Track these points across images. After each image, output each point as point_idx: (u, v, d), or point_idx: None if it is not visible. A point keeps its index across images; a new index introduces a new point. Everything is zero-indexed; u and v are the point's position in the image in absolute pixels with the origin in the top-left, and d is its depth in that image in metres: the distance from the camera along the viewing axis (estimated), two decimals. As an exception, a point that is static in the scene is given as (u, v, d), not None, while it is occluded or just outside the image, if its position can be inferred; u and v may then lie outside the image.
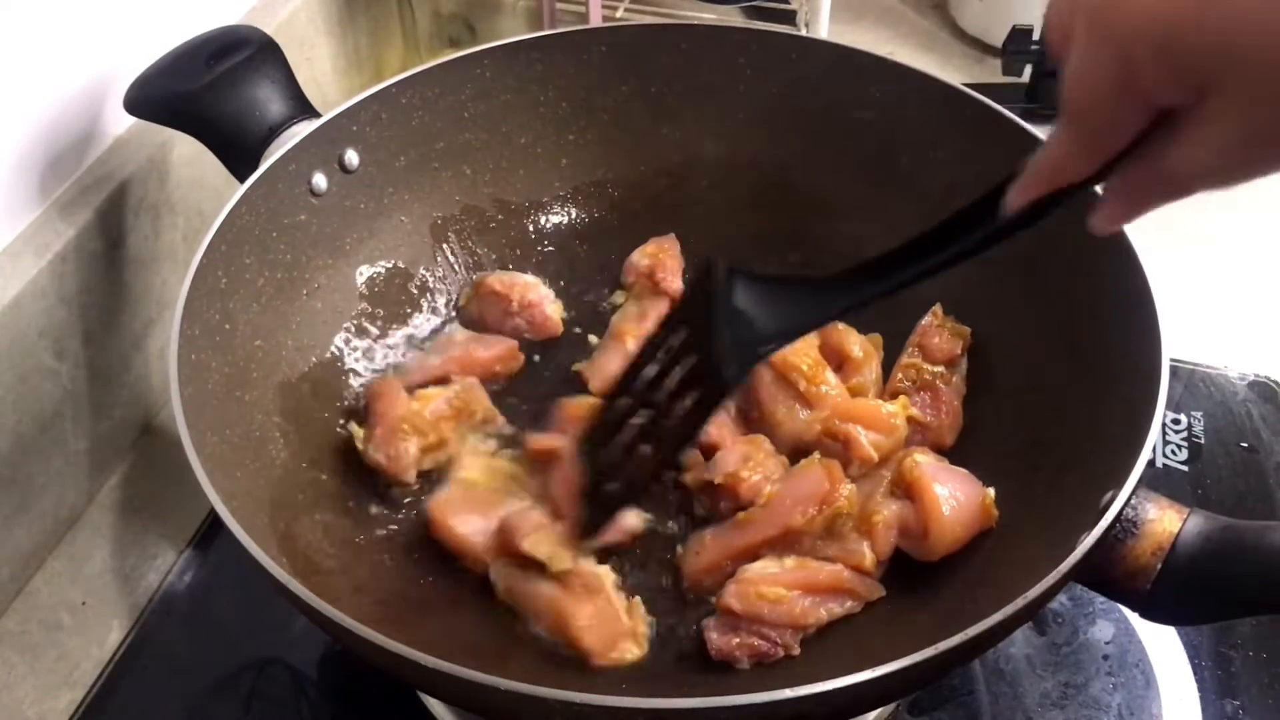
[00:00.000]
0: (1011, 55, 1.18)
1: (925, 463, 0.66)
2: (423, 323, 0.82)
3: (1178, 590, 0.55)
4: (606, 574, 0.65)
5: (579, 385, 0.78)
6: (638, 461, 0.62)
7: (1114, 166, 0.43)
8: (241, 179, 0.72)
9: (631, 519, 0.69)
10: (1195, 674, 0.71)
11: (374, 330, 0.80)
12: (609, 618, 0.63)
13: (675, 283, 0.82)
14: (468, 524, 0.67)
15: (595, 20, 1.15)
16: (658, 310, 0.80)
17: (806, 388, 0.72)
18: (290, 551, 0.63)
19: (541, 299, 0.82)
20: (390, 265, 0.82)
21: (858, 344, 0.75)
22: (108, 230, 0.79)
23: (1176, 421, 0.86)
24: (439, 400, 0.73)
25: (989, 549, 0.65)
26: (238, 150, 0.76)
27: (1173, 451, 0.84)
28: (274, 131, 0.76)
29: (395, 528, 0.71)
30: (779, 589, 0.63)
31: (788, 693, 0.47)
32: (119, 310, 0.82)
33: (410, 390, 0.74)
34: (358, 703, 0.72)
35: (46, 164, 0.77)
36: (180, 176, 0.86)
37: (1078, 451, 0.64)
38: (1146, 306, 0.62)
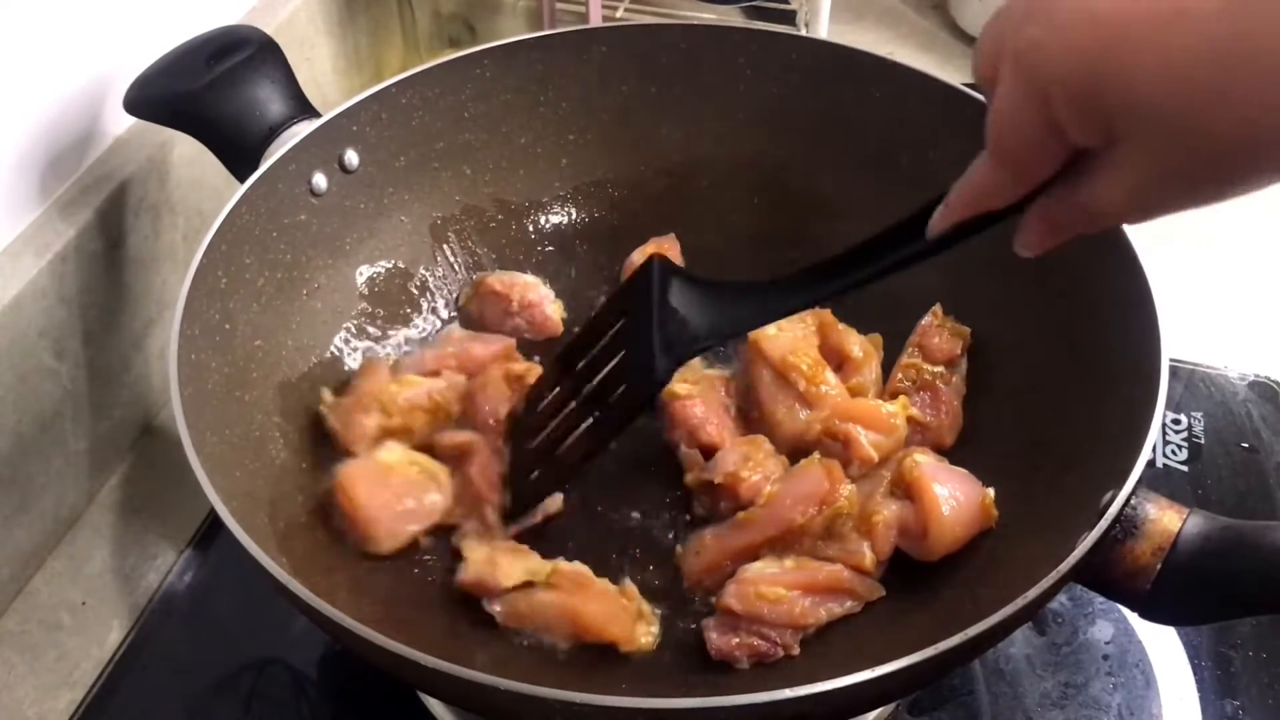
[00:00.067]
0: (1011, 55, 1.18)
1: (925, 463, 0.66)
2: (423, 323, 0.82)
3: (1178, 590, 0.55)
4: (584, 567, 0.65)
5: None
6: (565, 451, 0.66)
7: (1035, 195, 0.45)
8: (241, 179, 0.72)
9: (552, 503, 0.70)
10: (1195, 674, 0.71)
11: (374, 330, 0.80)
12: (614, 603, 0.64)
13: (675, 283, 0.82)
14: (373, 497, 0.67)
15: (595, 20, 1.15)
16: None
17: (806, 388, 0.72)
18: (290, 551, 0.63)
19: (541, 299, 0.82)
20: (390, 265, 0.82)
21: (858, 344, 0.75)
22: (108, 230, 0.79)
23: (1176, 421, 0.86)
24: (419, 389, 0.73)
25: (989, 549, 0.65)
26: (238, 150, 0.76)
27: (1173, 451, 0.84)
28: (274, 131, 0.76)
29: (395, 528, 0.71)
30: (779, 589, 0.63)
31: (787, 693, 0.47)
32: (119, 310, 0.82)
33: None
34: (358, 703, 0.72)
35: (46, 164, 0.77)
36: (180, 176, 0.86)
37: (1078, 451, 0.64)
38: (1146, 306, 0.62)
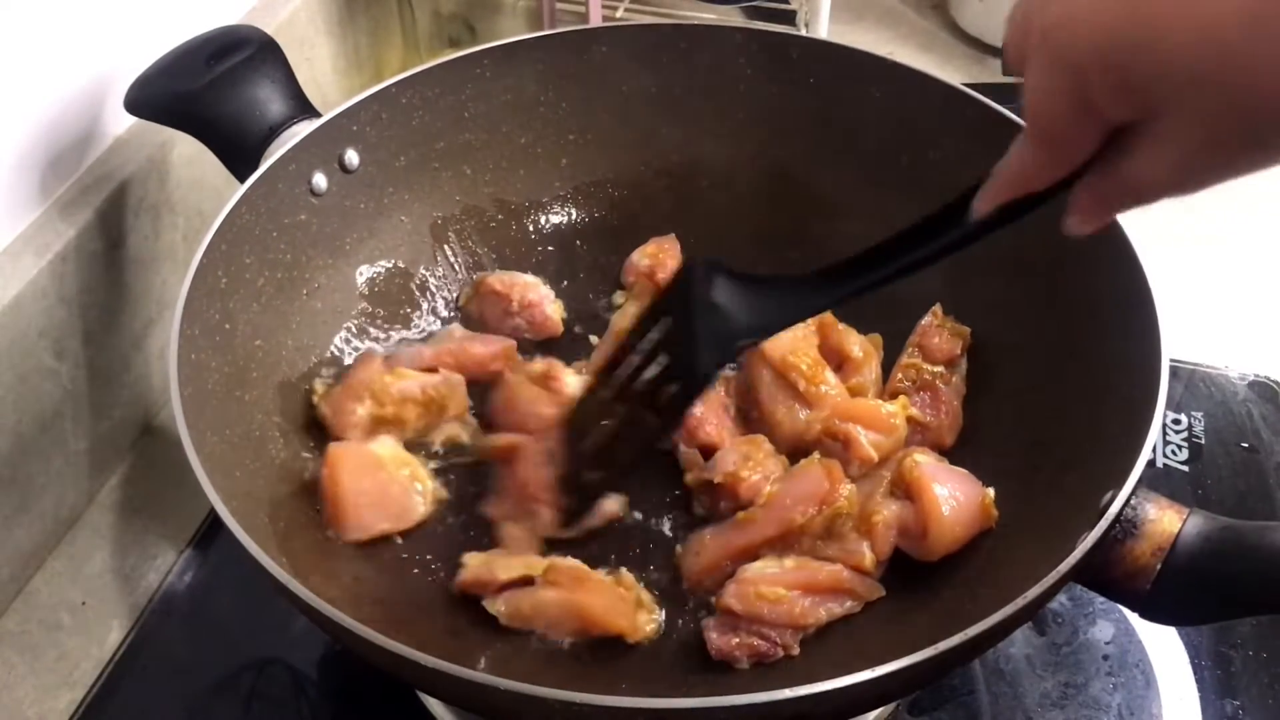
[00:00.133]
0: (1011, 55, 1.18)
1: (925, 463, 0.66)
2: (423, 322, 0.82)
3: (1178, 590, 0.55)
4: (579, 562, 0.65)
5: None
6: (617, 451, 0.65)
7: (1079, 174, 0.44)
8: (241, 179, 0.72)
9: (611, 504, 0.70)
10: (1195, 674, 0.71)
11: (374, 330, 0.80)
12: (615, 595, 0.64)
13: (675, 283, 0.82)
14: (354, 484, 0.67)
15: (595, 20, 1.15)
16: (658, 310, 0.80)
17: (806, 388, 0.72)
18: (290, 551, 0.63)
19: (541, 299, 0.82)
20: (390, 265, 0.82)
21: (858, 344, 0.75)
22: (108, 230, 0.79)
23: (1176, 421, 0.86)
24: (413, 381, 0.73)
25: (989, 549, 0.65)
26: (238, 150, 0.76)
27: (1173, 451, 0.84)
28: (274, 131, 0.76)
29: (395, 528, 0.71)
30: (779, 589, 0.63)
31: (787, 693, 0.47)
32: (119, 310, 0.82)
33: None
34: (358, 703, 0.72)
35: (46, 164, 0.77)
36: (180, 176, 0.86)
37: (1078, 451, 0.64)
38: (1146, 306, 0.62)
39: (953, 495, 0.64)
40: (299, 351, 0.75)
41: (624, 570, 0.66)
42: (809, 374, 0.72)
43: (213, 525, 0.80)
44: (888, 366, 0.76)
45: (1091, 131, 0.41)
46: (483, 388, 0.77)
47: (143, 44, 0.79)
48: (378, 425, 0.71)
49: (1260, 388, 0.89)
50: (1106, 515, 0.53)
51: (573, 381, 0.74)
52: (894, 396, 0.73)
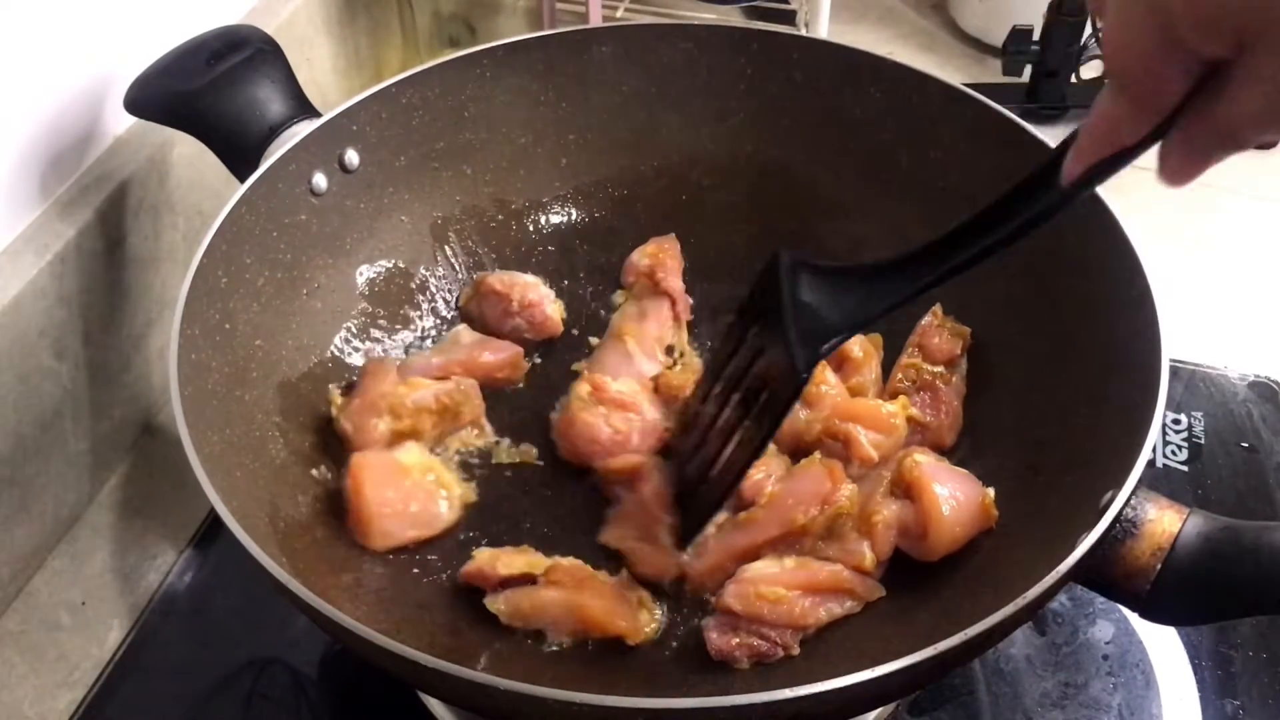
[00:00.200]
0: (1011, 55, 1.19)
1: (925, 463, 0.66)
2: (423, 323, 0.82)
3: (1178, 590, 0.55)
4: (580, 562, 0.65)
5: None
6: (725, 464, 0.63)
7: (1169, 125, 0.41)
8: (241, 179, 0.72)
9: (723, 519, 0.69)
10: (1195, 674, 0.71)
11: (374, 330, 0.80)
12: (616, 596, 0.64)
13: (675, 282, 0.82)
14: (379, 493, 0.67)
15: (595, 20, 1.15)
16: (658, 310, 0.80)
17: (807, 387, 0.72)
18: (290, 551, 0.63)
19: (541, 299, 0.82)
20: (390, 265, 0.82)
21: (858, 344, 0.75)
22: (108, 230, 0.79)
23: (1176, 421, 0.86)
24: (427, 391, 0.73)
25: (989, 549, 0.65)
26: (238, 150, 0.76)
27: (1173, 451, 0.84)
28: (274, 131, 0.76)
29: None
30: (779, 589, 0.63)
31: (787, 693, 0.47)
32: (119, 310, 0.82)
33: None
34: (358, 703, 0.72)
35: (46, 164, 0.77)
36: (180, 176, 0.86)
37: (1078, 451, 0.64)
38: (1146, 306, 0.62)
39: (953, 495, 0.64)
40: (299, 351, 0.75)
41: (625, 571, 0.66)
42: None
43: (213, 525, 0.80)
44: (888, 366, 0.76)
45: (1180, 72, 0.39)
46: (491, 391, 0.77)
47: (143, 44, 0.79)
48: (397, 438, 0.72)
49: (1260, 388, 0.89)
50: (1106, 515, 0.53)
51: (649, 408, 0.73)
52: (894, 396, 0.73)
